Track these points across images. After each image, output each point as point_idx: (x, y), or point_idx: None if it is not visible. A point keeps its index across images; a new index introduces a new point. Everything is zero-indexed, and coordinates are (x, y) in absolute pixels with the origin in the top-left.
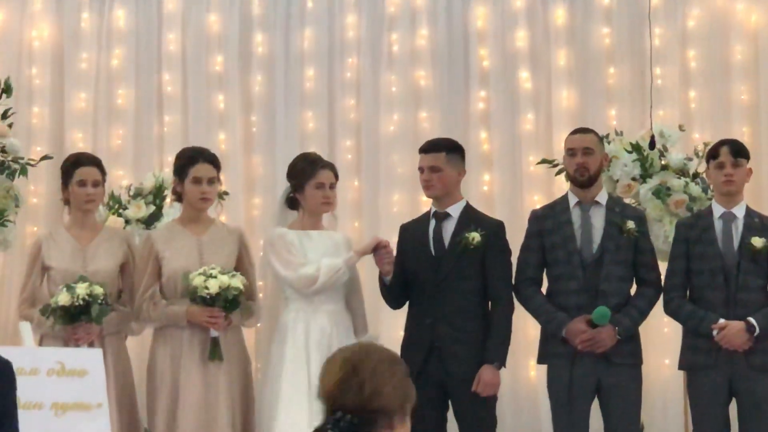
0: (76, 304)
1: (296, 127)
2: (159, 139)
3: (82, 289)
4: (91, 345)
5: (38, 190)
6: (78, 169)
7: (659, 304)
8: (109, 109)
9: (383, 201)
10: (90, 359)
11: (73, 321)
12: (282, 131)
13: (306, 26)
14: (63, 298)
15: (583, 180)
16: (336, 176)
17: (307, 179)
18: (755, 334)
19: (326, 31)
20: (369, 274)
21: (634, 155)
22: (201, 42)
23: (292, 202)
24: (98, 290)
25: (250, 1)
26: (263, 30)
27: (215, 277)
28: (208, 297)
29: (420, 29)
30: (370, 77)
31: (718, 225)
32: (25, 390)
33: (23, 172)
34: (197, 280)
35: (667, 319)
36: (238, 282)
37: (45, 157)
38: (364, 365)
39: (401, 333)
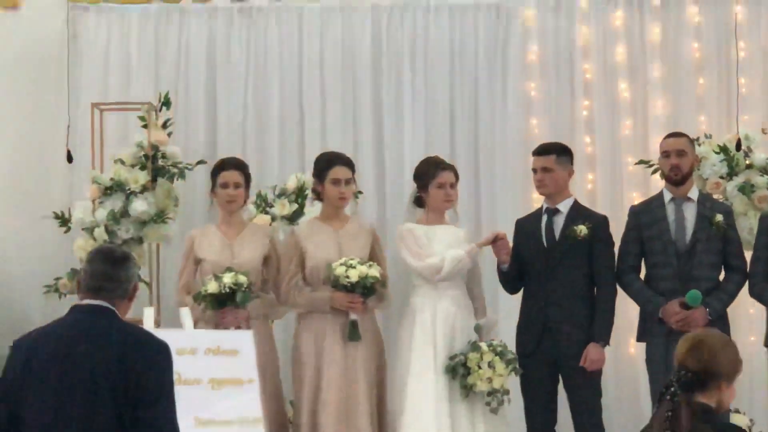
0: (223, 291)
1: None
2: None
3: (228, 278)
4: (238, 328)
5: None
6: (221, 172)
7: (745, 287)
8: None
9: (500, 198)
10: (242, 340)
11: (221, 306)
12: (410, 132)
13: None
14: (212, 287)
15: (677, 179)
16: (456, 177)
17: (430, 180)
18: None
19: None
20: (488, 263)
21: (722, 156)
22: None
23: (418, 201)
24: (242, 279)
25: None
26: None
27: (354, 267)
28: (349, 284)
29: (532, 45)
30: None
31: None
32: (185, 367)
33: (182, 175)
34: (339, 270)
35: (751, 301)
36: (375, 271)
37: (200, 162)
38: (707, 340)
39: (516, 316)
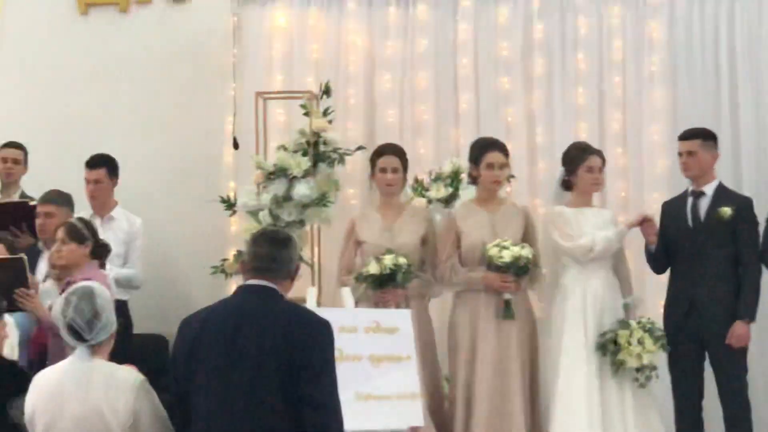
0: (384, 272)
1: (572, 103)
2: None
3: (388, 260)
4: (397, 306)
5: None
6: (380, 158)
7: None
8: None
9: (648, 171)
10: (400, 318)
11: (382, 286)
12: (560, 107)
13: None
14: (373, 268)
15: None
16: (603, 161)
17: (578, 164)
18: None
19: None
20: (636, 244)
21: None
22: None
23: (566, 184)
24: (402, 260)
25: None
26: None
27: (508, 248)
28: (503, 265)
29: None
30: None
31: None
32: (346, 345)
33: (341, 161)
34: (493, 251)
35: None
36: (528, 252)
37: (359, 148)
38: None
39: (662, 294)
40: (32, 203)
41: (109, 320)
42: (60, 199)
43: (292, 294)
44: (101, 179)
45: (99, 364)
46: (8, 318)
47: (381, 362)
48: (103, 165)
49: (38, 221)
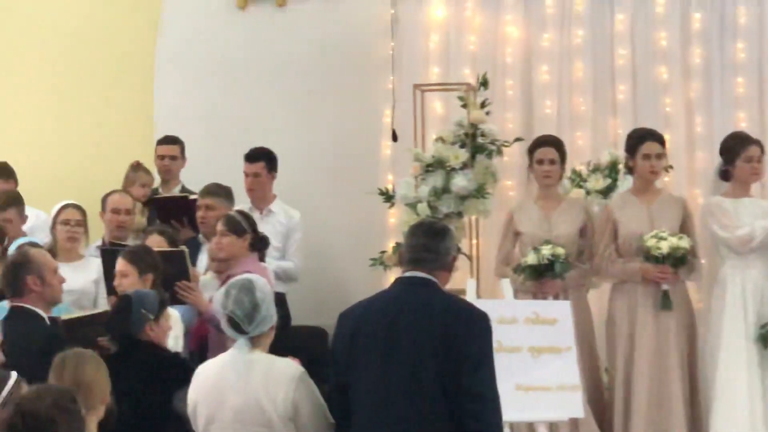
0: (542, 263)
1: (731, 92)
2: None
3: (546, 250)
4: (555, 297)
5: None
6: (538, 149)
7: None
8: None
9: None
10: (560, 309)
11: (540, 277)
12: (718, 97)
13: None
14: (531, 258)
15: None
16: (763, 151)
17: (737, 154)
18: None
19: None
20: None
21: None
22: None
23: (724, 174)
24: (560, 251)
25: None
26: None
27: (665, 239)
28: (660, 256)
29: None
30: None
31: None
32: (506, 336)
33: (499, 152)
34: (650, 242)
35: None
36: (685, 243)
37: (517, 140)
38: None
39: None
40: (192, 197)
41: (269, 313)
42: (220, 192)
43: (451, 285)
44: (260, 173)
45: (259, 356)
46: (172, 311)
47: (541, 353)
48: (262, 158)
49: (199, 214)
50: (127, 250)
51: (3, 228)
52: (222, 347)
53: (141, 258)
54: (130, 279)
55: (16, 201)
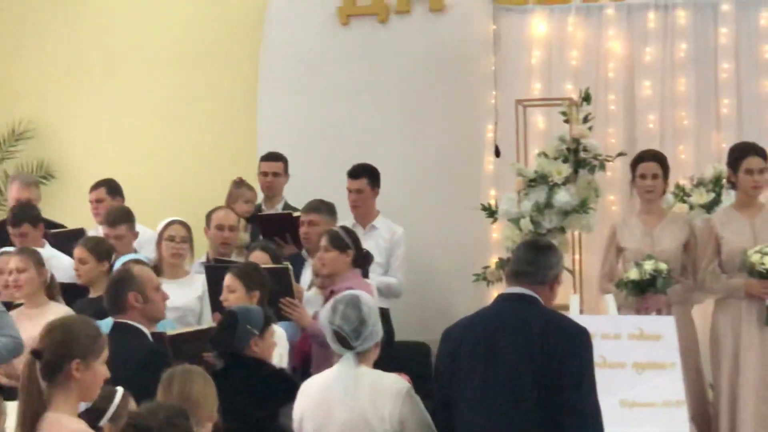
0: (644, 278)
1: None
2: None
3: (649, 265)
4: (658, 313)
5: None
6: (640, 164)
7: None
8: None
9: None
10: (664, 325)
11: (643, 293)
12: None
13: None
14: (633, 273)
15: None
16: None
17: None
18: None
19: None
20: None
21: None
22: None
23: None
24: (662, 266)
25: None
26: None
27: None
28: (764, 271)
29: None
30: None
31: None
32: (610, 351)
33: (601, 167)
34: (754, 257)
35: None
36: None
37: (620, 154)
38: None
39: None
40: (296, 215)
41: (375, 328)
42: (323, 208)
43: (555, 300)
44: (363, 189)
45: (365, 372)
46: (277, 327)
47: (645, 369)
48: (365, 174)
49: (302, 230)
50: (236, 266)
51: (112, 244)
52: (325, 363)
53: (249, 275)
54: (237, 295)
55: (127, 217)
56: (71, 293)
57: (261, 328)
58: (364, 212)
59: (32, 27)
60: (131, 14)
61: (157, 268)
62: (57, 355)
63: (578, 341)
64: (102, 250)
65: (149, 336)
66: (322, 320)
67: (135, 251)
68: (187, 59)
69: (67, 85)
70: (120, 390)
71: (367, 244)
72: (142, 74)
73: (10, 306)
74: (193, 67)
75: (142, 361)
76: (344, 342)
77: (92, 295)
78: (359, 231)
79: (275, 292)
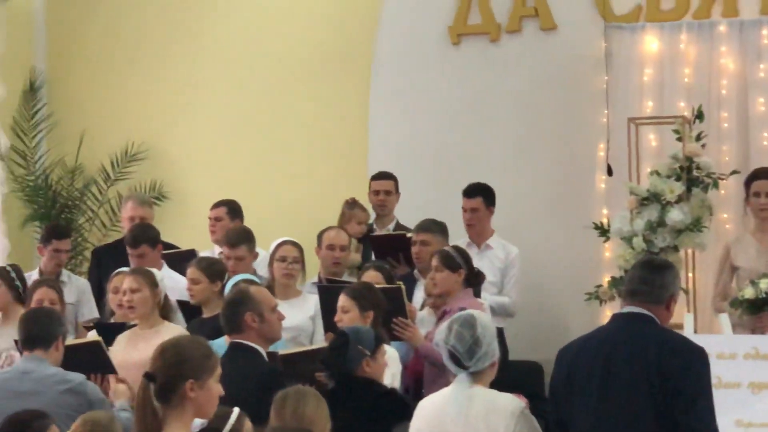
0: (760, 297)
1: None
2: None
3: (764, 284)
4: None
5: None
6: (754, 182)
7: None
8: None
9: None
10: None
11: (758, 312)
12: None
13: None
14: (748, 293)
15: None
16: None
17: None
18: None
19: None
20: None
21: None
22: None
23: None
24: None
25: None
26: None
27: None
28: None
29: None
30: None
31: None
32: (725, 371)
33: (715, 185)
34: None
35: None
36: None
37: (733, 173)
38: None
39: None
40: (408, 235)
41: (490, 348)
42: (434, 227)
43: (669, 320)
44: (478, 208)
45: (480, 391)
46: (390, 348)
47: (762, 389)
48: (480, 194)
49: (413, 250)
50: (350, 286)
51: (224, 265)
52: (437, 383)
53: (363, 295)
54: (350, 315)
55: (247, 238)
56: (186, 312)
57: (372, 349)
58: (479, 231)
59: (147, 50)
60: (244, 37)
61: (269, 289)
62: (170, 376)
63: (696, 361)
64: (215, 271)
65: (265, 356)
66: (437, 340)
67: (254, 272)
68: (298, 80)
69: (180, 107)
70: (236, 410)
71: (482, 263)
72: (254, 96)
73: (123, 326)
74: (304, 88)
75: (258, 381)
76: (458, 362)
77: (205, 314)
78: (473, 250)
79: (388, 311)
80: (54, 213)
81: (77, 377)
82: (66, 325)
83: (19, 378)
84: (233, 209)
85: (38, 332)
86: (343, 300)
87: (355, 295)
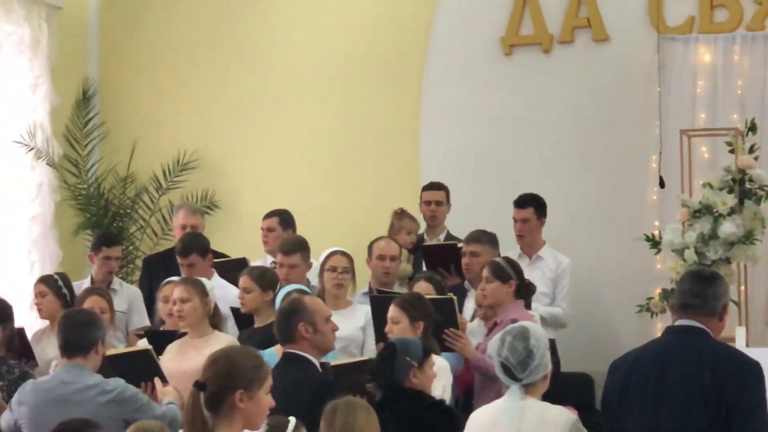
0: None
1: None
2: None
3: None
4: None
5: None
6: None
7: None
8: None
9: None
10: None
11: None
12: None
13: None
14: None
15: None
16: None
17: None
18: None
19: None
20: None
21: None
22: None
23: None
24: None
25: None
26: None
27: None
28: None
29: None
30: None
31: None
32: None
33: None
34: None
35: None
36: None
37: None
38: None
39: None
40: (459, 245)
41: (543, 361)
42: (484, 238)
43: (722, 332)
44: (529, 218)
45: (532, 403)
46: (441, 360)
47: None
48: (531, 204)
49: (463, 260)
50: (400, 297)
51: (276, 274)
52: (487, 394)
53: (413, 306)
54: (401, 326)
55: (301, 247)
56: (240, 320)
57: (420, 360)
58: (530, 242)
59: (199, 59)
60: (296, 47)
61: (320, 298)
62: (220, 386)
63: (750, 374)
64: (266, 280)
65: (318, 366)
66: (490, 351)
67: (308, 282)
68: (349, 90)
69: (232, 116)
70: (293, 420)
71: (533, 274)
72: (305, 106)
73: (173, 335)
74: (355, 98)
75: (310, 391)
76: (511, 374)
77: (257, 324)
78: (525, 261)
79: (440, 322)
80: (106, 222)
81: (117, 385)
82: (105, 327)
83: (59, 387)
84: (285, 219)
85: (76, 339)
86: (393, 311)
87: (405, 305)
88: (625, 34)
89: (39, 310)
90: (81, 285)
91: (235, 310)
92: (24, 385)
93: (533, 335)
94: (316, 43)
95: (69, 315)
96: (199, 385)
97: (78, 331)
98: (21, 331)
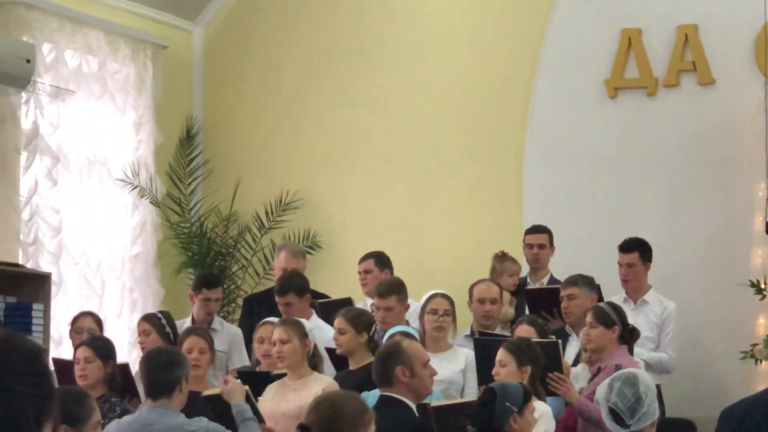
0: None
1: None
2: None
3: None
4: None
5: None
6: None
7: None
8: None
9: None
10: None
11: None
12: None
13: None
14: None
15: None
16: None
17: None
18: None
19: None
20: None
21: None
22: None
23: None
24: None
25: None
26: None
27: None
28: None
29: None
30: None
31: None
32: None
33: None
34: None
35: None
36: None
37: None
38: None
39: None
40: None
41: (651, 408)
42: (581, 281)
43: None
44: (634, 263)
45: None
46: (543, 405)
47: None
48: (636, 248)
49: (562, 304)
50: (510, 341)
51: (372, 316)
52: None
53: (522, 350)
54: (508, 369)
55: (397, 289)
56: (335, 360)
57: (520, 405)
58: (635, 286)
59: (302, 98)
60: (398, 89)
61: (421, 341)
62: (325, 430)
63: None
64: (361, 322)
65: (414, 410)
66: (598, 396)
67: (407, 322)
68: (452, 131)
69: (335, 156)
70: None
71: (638, 319)
72: (409, 146)
73: (268, 376)
74: (458, 139)
75: None
76: (619, 420)
77: (351, 366)
78: (629, 306)
79: (544, 367)
80: (208, 261)
81: (199, 427)
82: (188, 364)
83: (142, 428)
84: (381, 260)
85: (159, 380)
86: (501, 354)
87: (514, 349)
88: (730, 78)
89: (143, 348)
90: (183, 324)
91: (330, 351)
92: (108, 426)
93: (642, 381)
94: (418, 85)
95: (150, 356)
96: (303, 428)
97: (160, 373)
98: (125, 367)
